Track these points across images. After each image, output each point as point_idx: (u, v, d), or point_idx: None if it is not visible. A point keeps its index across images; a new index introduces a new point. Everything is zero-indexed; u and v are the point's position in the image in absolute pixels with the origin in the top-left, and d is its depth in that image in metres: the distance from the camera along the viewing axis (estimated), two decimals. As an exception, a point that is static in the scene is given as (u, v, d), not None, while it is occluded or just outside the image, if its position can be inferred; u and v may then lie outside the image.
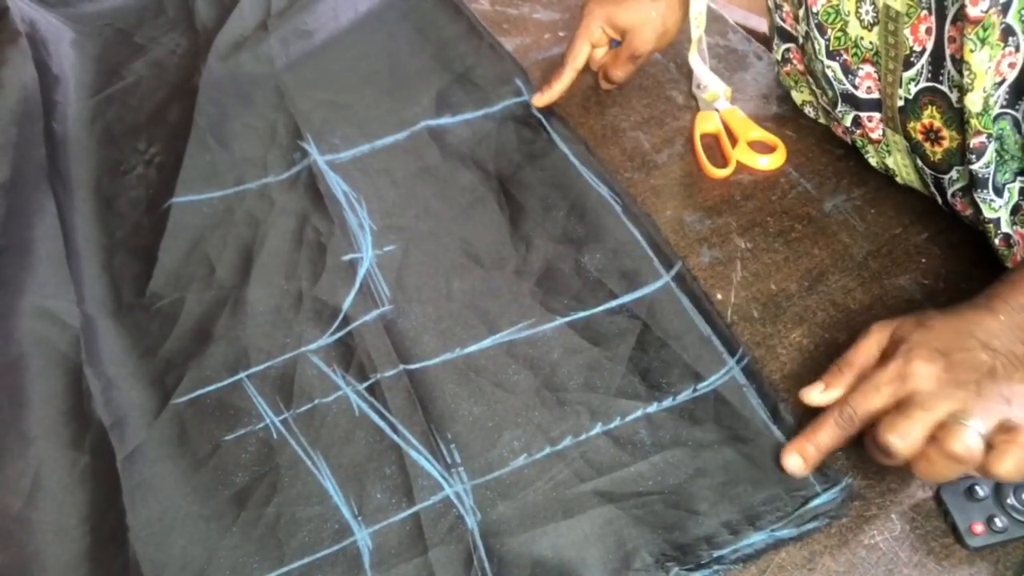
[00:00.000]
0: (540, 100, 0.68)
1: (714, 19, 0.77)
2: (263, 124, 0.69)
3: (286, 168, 0.66)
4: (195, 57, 0.73)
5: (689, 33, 0.69)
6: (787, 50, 0.65)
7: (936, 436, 0.42)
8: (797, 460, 0.47)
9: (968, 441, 0.42)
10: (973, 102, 0.48)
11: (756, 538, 0.45)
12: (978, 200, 0.52)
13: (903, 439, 0.43)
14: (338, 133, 0.68)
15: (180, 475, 0.49)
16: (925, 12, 0.49)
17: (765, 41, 0.77)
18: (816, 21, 0.56)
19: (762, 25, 0.83)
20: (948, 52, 0.50)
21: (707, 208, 0.63)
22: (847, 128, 0.61)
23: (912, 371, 0.44)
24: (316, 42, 0.75)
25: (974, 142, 0.50)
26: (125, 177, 0.66)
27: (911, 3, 0.50)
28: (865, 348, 0.48)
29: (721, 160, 0.66)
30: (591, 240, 0.59)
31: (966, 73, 0.47)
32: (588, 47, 0.67)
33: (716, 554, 0.44)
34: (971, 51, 0.46)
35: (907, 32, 0.51)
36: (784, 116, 0.68)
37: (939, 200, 0.58)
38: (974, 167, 0.51)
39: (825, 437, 0.46)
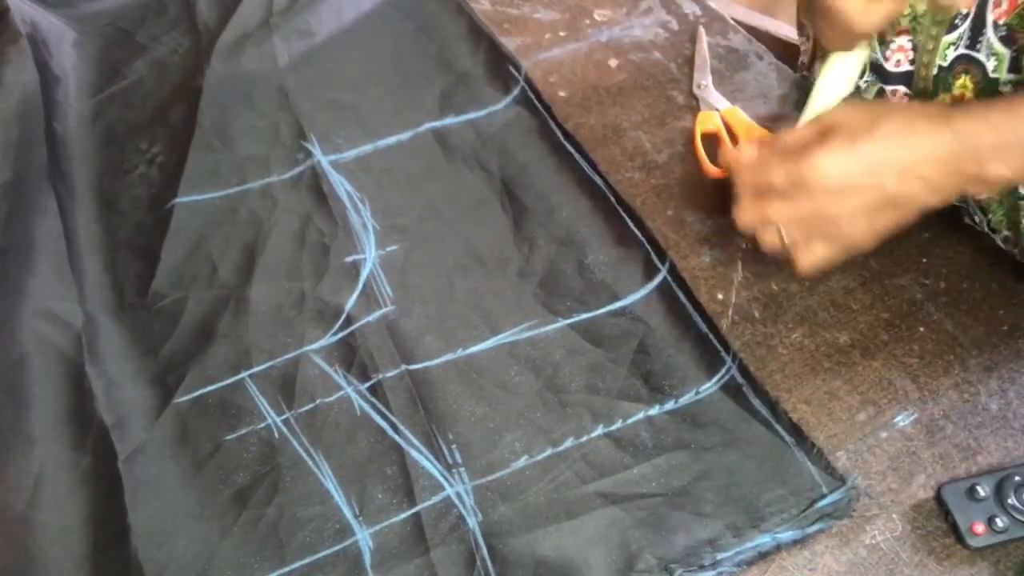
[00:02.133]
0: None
1: (714, 19, 0.76)
2: (266, 124, 0.68)
3: (289, 168, 0.65)
4: (197, 56, 0.73)
5: (692, 34, 0.68)
6: None
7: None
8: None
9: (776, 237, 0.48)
10: None
11: (760, 540, 0.44)
12: None
13: (750, 177, 0.49)
14: (341, 133, 0.67)
15: (182, 475, 0.48)
16: None
17: (766, 40, 0.76)
18: None
19: (765, 23, 0.82)
20: (991, 19, 0.49)
21: (708, 208, 0.62)
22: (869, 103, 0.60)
23: (817, 154, 0.47)
24: (319, 41, 0.75)
25: None
26: (127, 176, 0.65)
27: None
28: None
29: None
30: (594, 241, 0.58)
31: None
32: None
33: (719, 556, 0.44)
34: None
35: None
36: (785, 116, 0.68)
37: None
38: None
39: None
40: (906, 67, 0.56)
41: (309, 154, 0.65)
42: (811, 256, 0.50)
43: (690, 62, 0.72)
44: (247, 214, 0.62)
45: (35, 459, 0.49)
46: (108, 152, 0.67)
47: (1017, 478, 0.47)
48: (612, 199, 0.60)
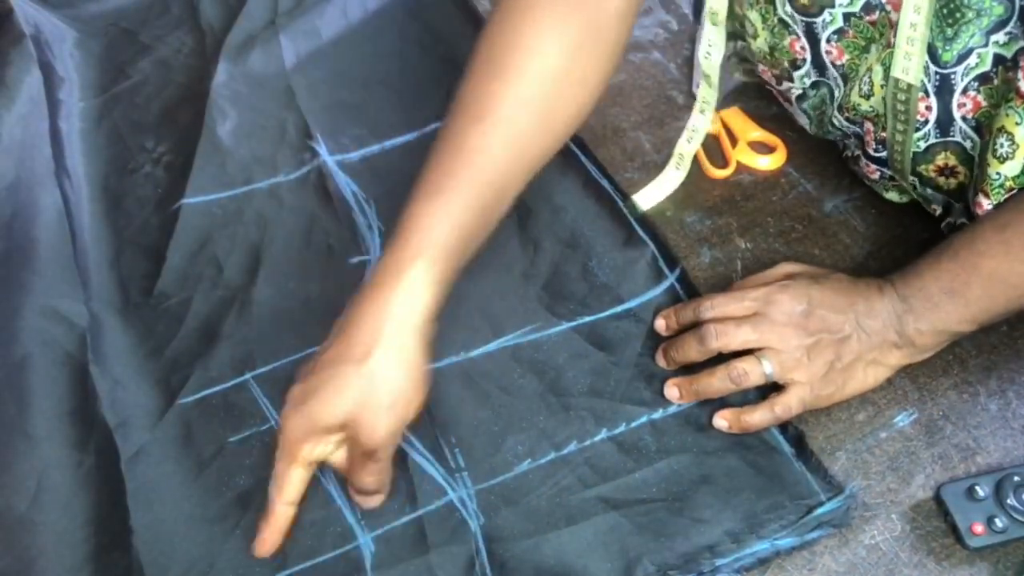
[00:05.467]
0: (262, 549, 0.44)
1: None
2: (273, 123, 0.66)
3: (296, 168, 0.63)
4: (202, 56, 0.71)
5: (692, 34, 0.67)
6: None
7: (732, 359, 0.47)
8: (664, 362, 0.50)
9: (745, 370, 0.46)
10: (1012, 168, 0.46)
11: (759, 547, 0.43)
12: None
13: (709, 341, 0.47)
14: (348, 133, 0.65)
15: (184, 477, 0.47)
16: (922, 94, 0.48)
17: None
18: (842, 72, 0.53)
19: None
20: (958, 115, 0.47)
21: (707, 208, 0.61)
22: (850, 156, 0.59)
23: (777, 299, 0.48)
24: (325, 41, 0.73)
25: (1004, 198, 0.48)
26: (133, 176, 0.64)
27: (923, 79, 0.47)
28: (766, 276, 0.51)
29: (721, 160, 0.64)
30: (599, 244, 0.57)
31: (1006, 143, 0.45)
32: (301, 471, 0.43)
33: (718, 563, 0.43)
34: (1016, 124, 0.44)
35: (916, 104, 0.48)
36: (784, 116, 0.66)
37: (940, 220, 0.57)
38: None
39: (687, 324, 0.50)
40: (882, 153, 0.54)
41: (315, 154, 0.64)
42: (790, 401, 0.48)
43: (690, 62, 0.71)
44: (253, 214, 0.60)
45: (37, 459, 0.47)
46: (113, 152, 0.65)
47: (1016, 478, 0.46)
48: (619, 201, 0.59)
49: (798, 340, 0.46)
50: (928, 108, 0.48)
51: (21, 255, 0.57)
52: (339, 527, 0.45)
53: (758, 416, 0.47)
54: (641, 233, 0.57)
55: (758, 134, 0.65)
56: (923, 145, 0.50)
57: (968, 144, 0.49)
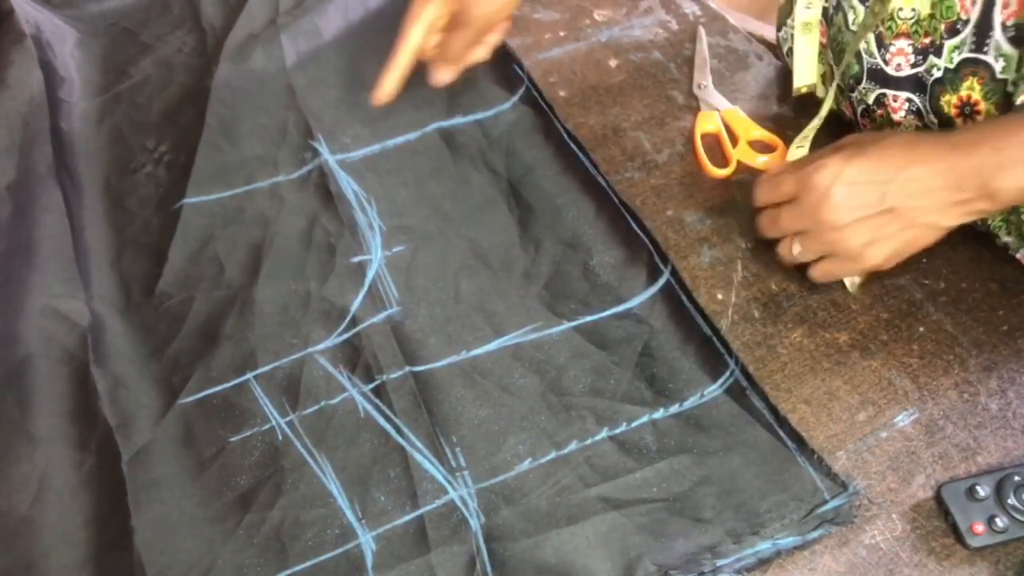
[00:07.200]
0: (379, 95, 0.58)
1: (714, 19, 0.74)
2: (274, 123, 0.66)
3: (297, 167, 0.63)
4: (202, 56, 0.70)
5: (692, 34, 0.66)
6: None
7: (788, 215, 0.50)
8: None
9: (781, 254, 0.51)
10: None
11: (760, 547, 0.43)
12: None
13: (766, 192, 0.51)
14: (349, 132, 0.65)
15: (185, 477, 0.46)
16: None
17: (764, 42, 0.74)
18: None
19: (760, 29, 0.80)
20: (999, 20, 0.47)
21: (708, 208, 0.60)
22: (868, 107, 0.58)
23: (810, 181, 0.48)
24: (326, 40, 0.73)
25: None
26: (134, 175, 0.63)
27: None
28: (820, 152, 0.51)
29: (722, 160, 0.64)
30: (600, 243, 0.56)
31: None
32: (422, 26, 0.57)
33: (719, 563, 0.42)
34: None
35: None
36: (784, 116, 0.66)
37: None
38: None
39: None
40: (907, 71, 0.53)
41: (316, 153, 0.63)
42: (820, 271, 0.52)
43: (690, 62, 0.70)
44: (254, 214, 0.60)
45: (39, 459, 0.47)
46: (115, 151, 0.65)
47: (1017, 478, 0.45)
48: (616, 200, 0.58)
49: (831, 221, 0.48)
50: (972, 1, 0.48)
51: (22, 255, 0.56)
52: (340, 526, 0.44)
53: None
54: (639, 232, 0.56)
55: (758, 134, 0.64)
56: (956, 59, 0.50)
57: (999, 66, 0.48)
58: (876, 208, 0.47)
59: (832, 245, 0.49)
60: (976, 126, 0.47)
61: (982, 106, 0.50)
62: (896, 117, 0.56)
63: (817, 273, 0.52)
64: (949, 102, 0.51)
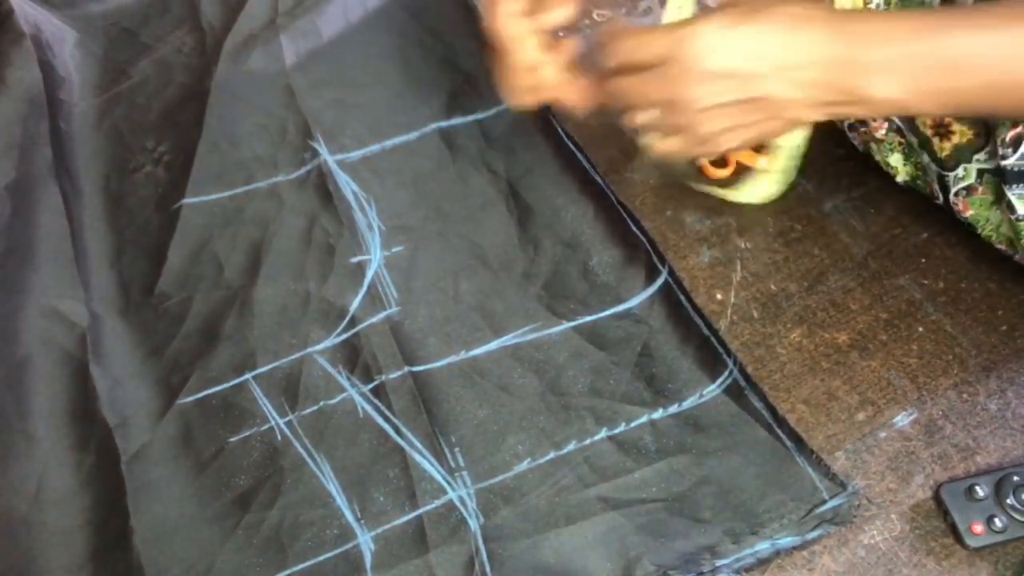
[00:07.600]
0: (512, 98, 0.51)
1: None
2: (273, 123, 0.66)
3: (296, 167, 0.63)
4: (202, 56, 0.70)
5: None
6: None
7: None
8: None
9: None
10: None
11: (759, 547, 0.43)
12: (1011, 197, 0.48)
13: (627, 50, 0.42)
14: (348, 132, 0.65)
15: (184, 477, 0.46)
16: None
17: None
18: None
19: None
20: None
21: (707, 208, 0.60)
22: (852, 125, 0.58)
23: (705, 30, 0.40)
24: (326, 41, 0.73)
25: (1009, 135, 0.45)
26: (134, 176, 0.63)
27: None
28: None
29: (721, 160, 0.63)
30: (599, 243, 0.56)
31: None
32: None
33: (718, 563, 0.42)
34: None
35: None
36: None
37: (940, 199, 0.56)
38: (1008, 162, 0.46)
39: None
40: None
41: (316, 154, 0.63)
42: (662, 146, 0.45)
43: (689, 62, 0.70)
44: (254, 214, 0.60)
45: (38, 461, 0.47)
46: (114, 151, 0.65)
47: (1016, 478, 0.45)
48: (615, 201, 0.58)
49: (692, 101, 0.41)
50: None
51: (21, 255, 0.56)
52: (339, 526, 0.44)
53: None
54: (637, 232, 0.56)
55: (757, 134, 0.64)
56: None
57: None
58: (744, 94, 0.41)
59: (685, 128, 0.43)
60: (870, 16, 0.42)
61: (955, 127, 0.49)
62: (878, 135, 0.56)
63: (657, 148, 0.45)
64: (924, 121, 0.50)
